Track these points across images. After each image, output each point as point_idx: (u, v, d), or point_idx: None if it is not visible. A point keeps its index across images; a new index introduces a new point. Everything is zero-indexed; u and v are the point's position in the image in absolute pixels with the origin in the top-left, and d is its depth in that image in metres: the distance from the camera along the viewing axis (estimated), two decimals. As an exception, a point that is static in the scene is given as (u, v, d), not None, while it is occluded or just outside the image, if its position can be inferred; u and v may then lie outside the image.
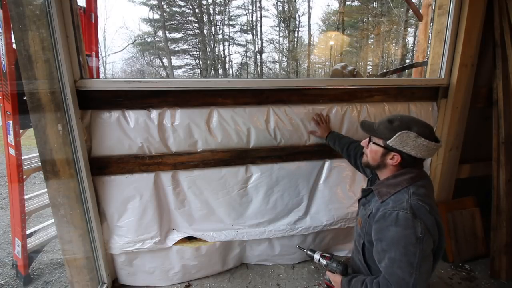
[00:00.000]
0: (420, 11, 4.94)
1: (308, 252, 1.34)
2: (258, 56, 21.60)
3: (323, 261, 1.26)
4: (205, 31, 20.40)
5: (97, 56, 2.47)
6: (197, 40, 20.93)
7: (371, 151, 1.12)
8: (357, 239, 1.21)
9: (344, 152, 1.56)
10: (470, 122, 1.94)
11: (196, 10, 19.89)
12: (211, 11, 20.16)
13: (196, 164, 1.63)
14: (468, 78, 1.84)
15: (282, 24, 21.31)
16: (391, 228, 0.96)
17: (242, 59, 22.33)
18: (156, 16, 19.41)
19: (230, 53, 22.13)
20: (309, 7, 20.38)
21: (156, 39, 20.17)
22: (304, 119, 1.71)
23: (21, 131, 1.72)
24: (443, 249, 1.06)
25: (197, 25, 20.22)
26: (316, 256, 1.29)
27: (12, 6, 1.18)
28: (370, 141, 1.13)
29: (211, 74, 20.49)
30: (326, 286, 1.30)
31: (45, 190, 1.65)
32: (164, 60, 20.50)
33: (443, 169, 1.96)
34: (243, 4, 20.92)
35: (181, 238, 1.71)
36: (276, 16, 21.33)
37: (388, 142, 1.03)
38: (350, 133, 1.79)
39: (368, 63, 20.65)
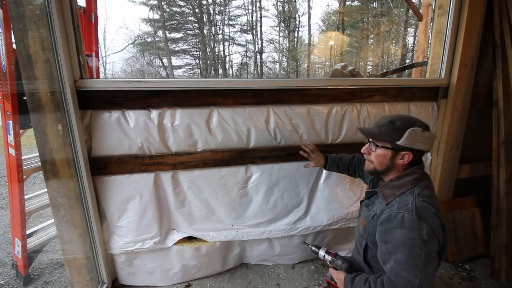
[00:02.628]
0: (420, 11, 4.94)
1: (313, 248, 1.34)
2: (258, 56, 21.61)
3: (328, 257, 1.25)
4: (205, 31, 20.41)
5: (97, 56, 2.47)
6: (197, 40, 20.94)
7: (378, 155, 1.10)
8: (358, 239, 1.21)
9: (350, 170, 1.55)
10: (470, 122, 1.94)
11: (196, 10, 19.89)
12: (211, 11, 20.17)
13: (196, 164, 1.63)
14: (468, 78, 1.84)
15: (282, 24, 21.32)
16: (397, 230, 0.96)
17: (242, 59, 22.35)
18: (156, 16, 19.43)
19: (230, 53, 22.16)
20: (309, 7, 20.39)
21: (156, 39, 20.18)
22: (304, 119, 1.71)
23: (21, 131, 1.72)
24: (447, 250, 1.07)
25: (197, 25, 20.22)
26: (321, 253, 1.29)
27: (12, 6, 1.18)
28: (376, 146, 1.10)
29: (211, 74, 20.49)
30: (326, 283, 1.30)
31: (45, 190, 1.66)
32: (164, 60, 20.51)
33: (443, 169, 1.96)
34: (243, 4, 20.95)
35: (181, 238, 1.71)
36: (276, 16, 21.34)
37: (398, 143, 1.03)
38: (350, 133, 1.79)
39: (368, 63, 20.65)
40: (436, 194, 1.97)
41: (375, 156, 1.11)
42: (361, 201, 1.27)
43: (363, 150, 1.16)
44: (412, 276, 0.91)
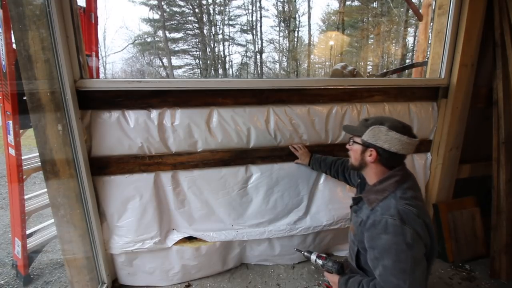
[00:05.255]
0: (420, 11, 4.94)
1: (305, 253, 1.36)
2: (258, 56, 21.61)
3: (319, 261, 1.27)
4: (205, 31, 20.42)
5: (97, 56, 2.47)
6: (197, 40, 20.94)
7: (352, 150, 1.16)
8: (351, 245, 1.23)
9: (332, 171, 1.61)
10: (470, 122, 1.94)
11: (196, 10, 19.89)
12: (211, 11, 20.17)
13: (196, 164, 1.63)
14: (468, 78, 1.84)
15: (282, 24, 21.33)
16: (382, 236, 0.97)
17: (242, 59, 22.36)
18: (156, 16, 19.45)
19: (230, 53, 22.17)
20: (309, 7, 20.40)
21: (156, 39, 20.18)
22: (304, 119, 1.71)
23: (21, 131, 1.72)
24: (436, 250, 1.07)
25: (197, 25, 20.23)
26: (313, 257, 1.31)
27: (12, 6, 1.18)
28: (352, 141, 1.17)
29: (211, 74, 20.50)
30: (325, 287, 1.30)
31: (45, 190, 1.65)
32: (164, 60, 20.51)
33: (443, 169, 1.96)
34: (243, 4, 20.95)
35: (181, 238, 1.70)
36: (276, 16, 21.35)
37: (362, 137, 1.09)
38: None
39: (368, 63, 20.65)
40: (434, 194, 2.00)
41: (352, 151, 1.17)
42: (351, 206, 1.29)
43: (347, 146, 1.22)
44: (401, 281, 0.92)
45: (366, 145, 1.09)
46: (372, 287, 1.00)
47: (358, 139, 1.13)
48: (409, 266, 0.92)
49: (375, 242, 0.99)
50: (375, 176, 1.11)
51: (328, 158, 1.64)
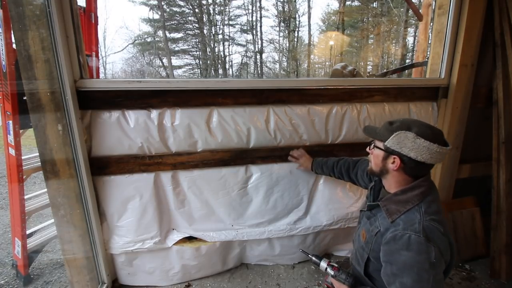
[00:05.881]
0: (420, 11, 4.94)
1: (314, 258, 1.26)
2: (258, 56, 21.62)
3: (331, 272, 1.19)
4: (205, 31, 20.42)
5: (97, 56, 2.47)
6: (197, 40, 20.95)
7: (374, 155, 1.07)
8: (359, 251, 1.14)
9: (336, 173, 1.55)
10: (470, 122, 1.94)
11: (196, 10, 19.90)
12: (211, 11, 20.18)
13: (196, 164, 1.63)
14: (468, 78, 1.84)
15: (282, 24, 21.33)
16: (403, 252, 0.90)
17: (242, 59, 22.37)
18: (156, 16, 19.45)
19: (230, 53, 22.17)
20: (309, 7, 20.41)
21: (156, 39, 20.19)
22: (304, 119, 1.71)
23: (21, 131, 1.72)
24: (452, 267, 1.01)
25: (197, 25, 20.23)
26: (323, 264, 1.22)
27: (12, 6, 1.18)
28: (374, 145, 1.07)
29: (211, 74, 20.50)
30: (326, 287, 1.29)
31: (45, 190, 1.65)
32: (164, 60, 20.51)
33: (443, 169, 1.96)
34: (243, 4, 20.96)
35: (181, 238, 1.70)
36: (276, 16, 21.36)
37: (386, 143, 0.98)
38: (350, 133, 1.79)
39: (368, 63, 20.66)
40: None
41: (372, 155, 1.08)
42: (361, 211, 1.22)
43: (367, 149, 1.13)
44: None
45: (389, 152, 0.99)
46: None
47: (380, 144, 1.02)
48: (430, 286, 0.86)
49: (394, 258, 0.92)
50: (397, 184, 1.02)
51: (329, 161, 1.58)
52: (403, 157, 0.96)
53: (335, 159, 1.58)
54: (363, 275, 1.12)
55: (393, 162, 0.99)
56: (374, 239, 1.03)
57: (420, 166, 0.97)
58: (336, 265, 1.20)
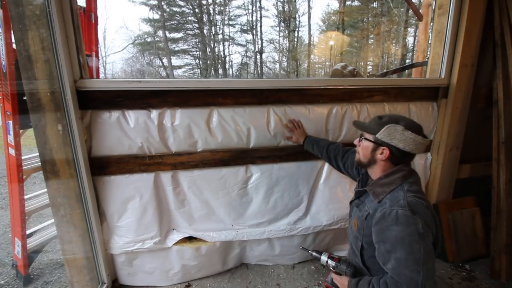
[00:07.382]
0: (420, 11, 4.94)
1: (314, 253, 1.28)
2: (258, 56, 21.61)
3: (332, 263, 1.21)
4: (205, 31, 20.41)
5: (97, 56, 2.46)
6: (197, 40, 20.94)
7: (363, 147, 1.15)
8: (353, 241, 1.20)
9: (324, 155, 1.56)
10: (470, 122, 1.94)
11: (196, 10, 19.89)
12: (211, 11, 20.17)
13: (196, 164, 1.63)
14: (468, 78, 1.84)
15: (282, 24, 21.32)
16: (393, 228, 0.96)
17: (242, 59, 22.36)
18: (156, 16, 19.45)
19: (230, 53, 22.17)
20: (309, 7, 20.40)
21: (156, 39, 20.18)
22: (304, 119, 1.71)
23: (21, 131, 1.72)
24: (440, 242, 1.08)
25: (197, 25, 20.22)
26: (324, 258, 1.24)
27: (12, 6, 1.18)
28: (363, 138, 1.15)
29: (211, 74, 20.50)
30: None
31: (45, 190, 1.65)
32: (164, 60, 20.51)
33: (443, 169, 1.96)
34: (243, 4, 20.96)
35: (181, 238, 1.70)
36: (276, 16, 21.35)
37: (377, 135, 1.08)
38: (350, 133, 1.79)
39: (368, 63, 20.65)
40: (435, 194, 2.02)
41: (361, 147, 1.16)
42: (351, 202, 1.28)
43: (355, 141, 1.22)
44: (415, 273, 0.92)
45: (379, 143, 1.08)
46: (383, 283, 0.98)
47: (370, 136, 1.11)
48: (422, 257, 0.92)
49: (386, 235, 0.98)
50: (381, 172, 1.11)
51: (322, 142, 1.59)
52: (392, 148, 1.06)
53: (328, 142, 1.58)
54: (362, 266, 1.16)
55: (382, 153, 1.08)
56: (365, 223, 1.10)
57: (405, 156, 1.08)
58: (336, 256, 1.24)
